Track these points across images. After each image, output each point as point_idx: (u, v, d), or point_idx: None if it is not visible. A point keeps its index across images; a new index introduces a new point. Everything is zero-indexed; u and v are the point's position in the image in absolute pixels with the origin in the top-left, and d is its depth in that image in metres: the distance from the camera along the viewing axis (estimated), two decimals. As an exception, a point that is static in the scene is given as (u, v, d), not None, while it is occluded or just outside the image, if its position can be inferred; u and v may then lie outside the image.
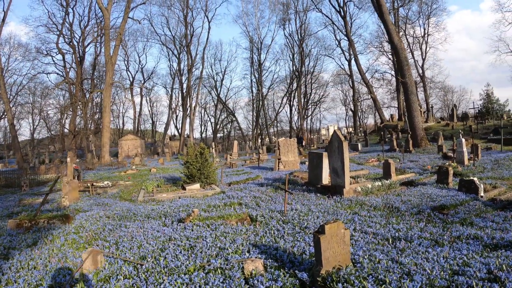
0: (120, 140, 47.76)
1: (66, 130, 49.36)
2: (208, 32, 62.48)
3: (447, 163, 14.83)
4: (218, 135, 69.35)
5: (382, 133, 30.30)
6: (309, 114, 65.55)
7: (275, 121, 65.94)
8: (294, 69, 58.14)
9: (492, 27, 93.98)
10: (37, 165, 29.30)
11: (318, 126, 74.45)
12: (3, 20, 33.42)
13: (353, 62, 51.19)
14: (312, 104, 64.63)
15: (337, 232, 3.80)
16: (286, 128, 68.25)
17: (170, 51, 59.37)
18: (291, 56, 58.71)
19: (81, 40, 49.17)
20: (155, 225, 6.87)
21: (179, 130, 59.46)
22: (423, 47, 51.18)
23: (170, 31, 69.45)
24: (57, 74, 51.03)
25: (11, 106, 47.01)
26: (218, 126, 67.11)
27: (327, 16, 52.93)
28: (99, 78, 54.77)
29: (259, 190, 11.02)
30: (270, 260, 4.56)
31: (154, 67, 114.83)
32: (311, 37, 58.90)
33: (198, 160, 13.26)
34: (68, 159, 13.67)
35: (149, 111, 71.45)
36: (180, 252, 5.02)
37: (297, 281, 3.92)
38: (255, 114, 62.13)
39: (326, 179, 11.09)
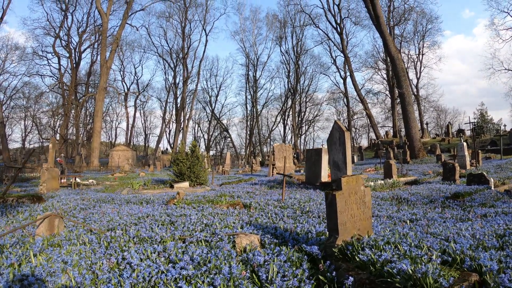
0: (111, 151, 46.53)
1: (57, 137, 48.05)
2: (205, 45, 62.51)
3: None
4: (211, 152, 68.07)
5: (379, 144, 29.81)
6: (302, 133, 65.05)
7: (269, 139, 65.10)
8: (290, 86, 57.97)
9: (486, 45, 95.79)
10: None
11: (311, 146, 73.78)
12: (1, 17, 32.93)
13: (348, 80, 51.32)
14: (306, 122, 64.23)
15: (356, 189, 3.00)
16: (280, 146, 67.17)
17: (167, 63, 58.93)
18: (286, 73, 58.66)
19: (77, 45, 48.81)
20: (133, 208, 5.99)
21: (172, 144, 58.38)
22: (418, 66, 51.60)
23: (167, 43, 69.20)
24: (51, 77, 50.08)
25: (3, 108, 45.86)
26: (211, 143, 66.05)
27: (324, 32, 53.30)
28: (93, 87, 53.98)
29: (253, 187, 10.20)
30: (269, 236, 3.69)
31: (149, 80, 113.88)
32: (307, 55, 59.06)
33: (188, 158, 12.43)
34: (50, 145, 12.45)
35: (143, 124, 70.25)
36: (157, 226, 4.14)
37: (305, 256, 3.07)
38: (248, 132, 61.34)
39: (325, 177, 10.31)
